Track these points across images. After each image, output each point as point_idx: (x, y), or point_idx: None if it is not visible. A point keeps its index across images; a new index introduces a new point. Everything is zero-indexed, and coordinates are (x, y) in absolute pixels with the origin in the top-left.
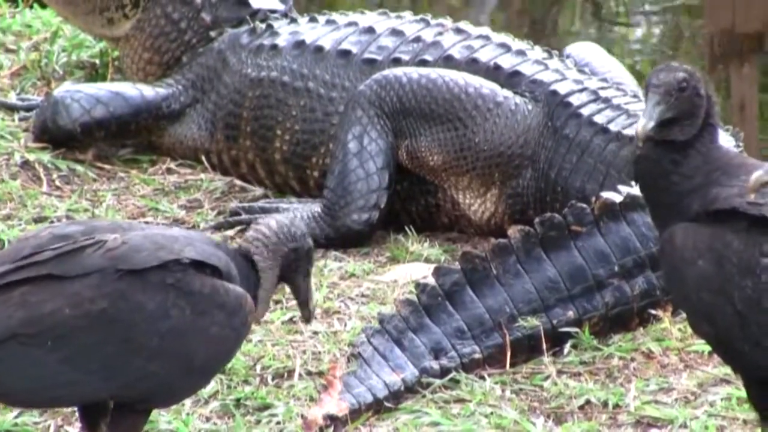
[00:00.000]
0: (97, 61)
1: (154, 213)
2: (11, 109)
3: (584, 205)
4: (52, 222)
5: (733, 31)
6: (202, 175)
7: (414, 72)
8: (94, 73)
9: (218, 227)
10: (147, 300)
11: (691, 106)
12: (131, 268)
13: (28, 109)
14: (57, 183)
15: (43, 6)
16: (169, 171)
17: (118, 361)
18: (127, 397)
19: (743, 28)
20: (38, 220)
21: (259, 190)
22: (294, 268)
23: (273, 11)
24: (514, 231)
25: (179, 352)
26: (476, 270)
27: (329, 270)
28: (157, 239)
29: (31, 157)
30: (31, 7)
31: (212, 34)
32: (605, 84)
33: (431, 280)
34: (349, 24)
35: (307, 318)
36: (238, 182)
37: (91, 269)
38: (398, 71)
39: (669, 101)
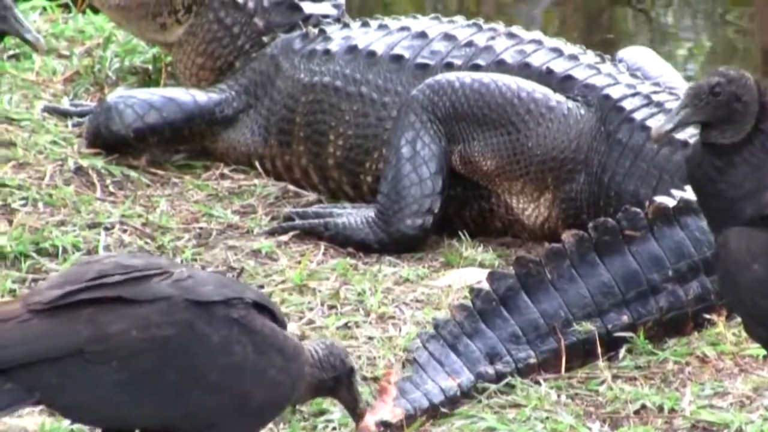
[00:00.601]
0: (150, 67)
1: (208, 218)
2: (64, 114)
3: (638, 210)
4: (106, 228)
5: None
6: (256, 181)
7: (467, 76)
8: (147, 78)
9: (272, 232)
10: (212, 332)
11: (729, 111)
12: (198, 299)
13: (81, 114)
14: (110, 188)
15: (96, 11)
16: (222, 176)
17: (176, 389)
18: (178, 428)
19: None
20: (92, 225)
21: (312, 196)
22: (336, 389)
23: (325, 16)
24: (568, 236)
25: (237, 390)
26: (531, 275)
27: (384, 275)
28: (220, 278)
29: (85, 162)
30: (84, 12)
31: (265, 39)
32: (658, 88)
33: (486, 285)
34: (402, 29)
35: (357, 422)
36: (292, 187)
37: (159, 296)
38: (451, 76)
39: (697, 105)
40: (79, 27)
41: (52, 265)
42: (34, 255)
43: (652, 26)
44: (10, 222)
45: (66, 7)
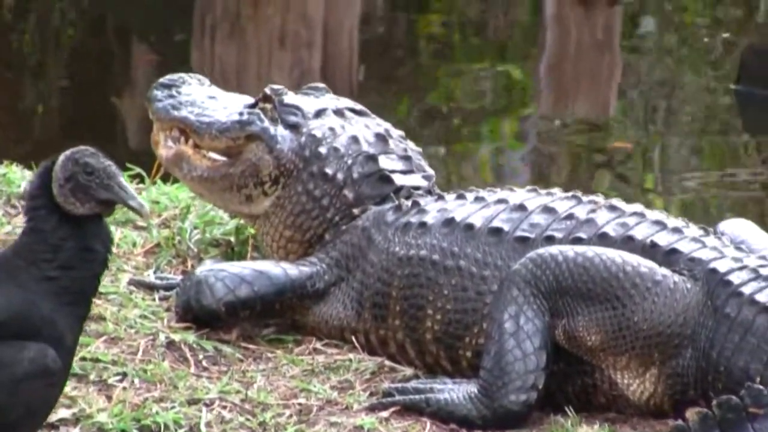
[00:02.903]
0: (232, 239)
1: (307, 394)
2: (150, 288)
3: (761, 387)
4: (205, 404)
5: None
6: (350, 355)
7: (570, 250)
8: (230, 250)
9: (372, 408)
10: None
11: None
12: None
13: (168, 288)
14: (204, 363)
15: (165, 180)
16: (316, 351)
17: None
18: None
19: None
20: (191, 402)
21: (408, 370)
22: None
23: (416, 188)
24: (692, 414)
25: None
26: None
27: None
28: None
29: (176, 337)
30: (155, 183)
31: (355, 211)
32: (764, 261)
33: None
34: (499, 201)
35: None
36: (388, 362)
37: None
38: (554, 249)
39: None
40: (153, 197)
41: None
42: None
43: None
44: (108, 398)
45: (138, 177)
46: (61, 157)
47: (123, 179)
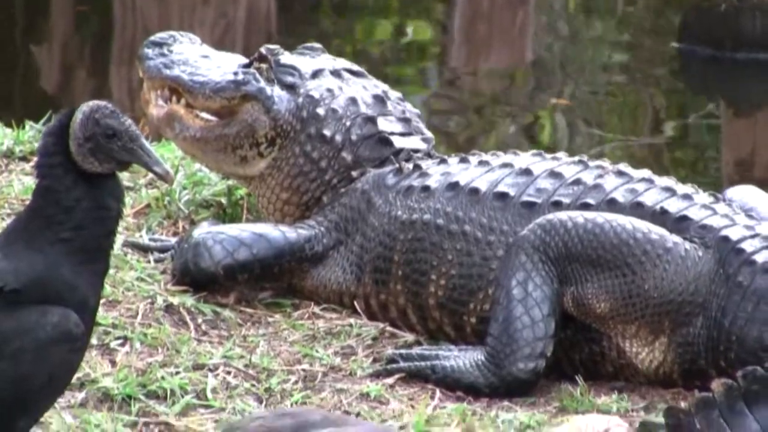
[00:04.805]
0: (224, 200)
1: (310, 360)
2: (145, 250)
3: None
4: (210, 369)
5: None
6: (351, 320)
7: (579, 216)
8: (221, 212)
9: (377, 375)
10: None
11: None
12: None
13: (163, 250)
14: (203, 327)
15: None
16: (315, 315)
17: None
18: None
19: None
20: (196, 367)
21: (410, 336)
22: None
23: (416, 151)
24: (717, 384)
25: None
26: (681, 425)
27: (502, 421)
28: None
29: (175, 300)
30: None
31: (354, 173)
32: None
33: None
34: (504, 165)
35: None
36: (389, 328)
37: None
38: (562, 215)
39: None
40: None
41: (161, 407)
42: (142, 398)
43: None
44: (112, 362)
45: None
46: (79, 115)
47: (145, 141)
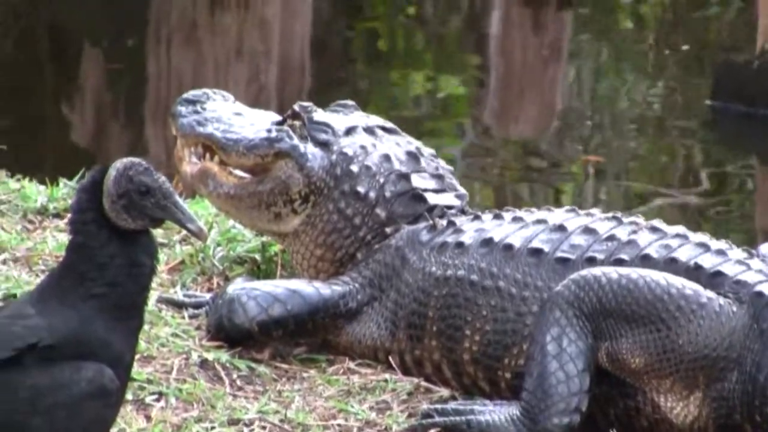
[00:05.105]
0: (258, 257)
1: (345, 415)
2: (179, 306)
3: None
4: (245, 424)
5: None
6: (386, 375)
7: (613, 272)
8: (256, 268)
9: (413, 429)
10: None
11: None
12: None
13: (197, 306)
14: (238, 383)
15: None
16: (350, 370)
17: None
18: None
19: None
20: (231, 422)
21: (445, 391)
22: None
23: (449, 207)
24: None
25: None
26: None
27: None
28: None
29: (209, 356)
30: None
31: (387, 230)
32: None
33: None
34: (538, 221)
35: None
36: (424, 383)
37: None
38: (596, 271)
39: None
40: None
41: None
42: None
43: None
44: (147, 417)
45: None
46: (113, 172)
47: (178, 198)
